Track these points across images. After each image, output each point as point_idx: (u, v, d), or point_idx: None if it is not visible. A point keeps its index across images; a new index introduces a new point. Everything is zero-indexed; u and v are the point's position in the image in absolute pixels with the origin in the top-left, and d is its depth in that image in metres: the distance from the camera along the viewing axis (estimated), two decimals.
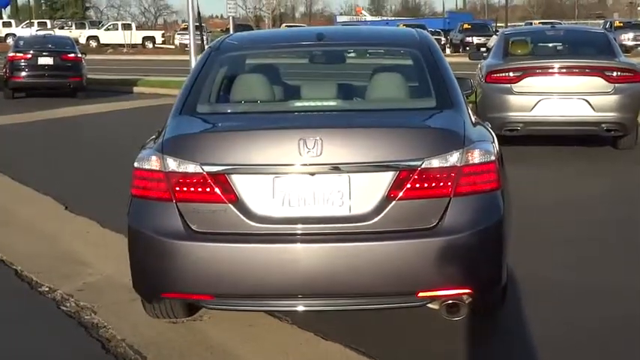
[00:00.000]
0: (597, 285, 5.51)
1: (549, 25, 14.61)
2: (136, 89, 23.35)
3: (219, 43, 5.23)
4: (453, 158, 3.98)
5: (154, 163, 4.09)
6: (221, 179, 3.98)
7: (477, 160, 4.02)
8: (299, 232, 3.98)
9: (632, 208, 8.01)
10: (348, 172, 3.96)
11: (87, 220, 7.64)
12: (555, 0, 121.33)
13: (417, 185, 3.94)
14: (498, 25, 51.93)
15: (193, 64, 25.20)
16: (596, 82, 10.54)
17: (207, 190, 3.99)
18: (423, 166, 3.95)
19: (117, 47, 53.30)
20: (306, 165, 3.96)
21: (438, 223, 3.96)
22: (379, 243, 3.94)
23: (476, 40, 47.74)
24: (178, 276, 4.03)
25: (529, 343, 4.54)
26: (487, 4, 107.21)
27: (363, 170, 3.97)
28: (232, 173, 3.98)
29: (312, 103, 4.65)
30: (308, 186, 3.98)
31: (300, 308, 4.19)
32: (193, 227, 4.01)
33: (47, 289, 5.64)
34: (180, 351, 4.54)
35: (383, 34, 5.87)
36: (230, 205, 3.98)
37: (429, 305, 4.38)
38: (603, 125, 10.55)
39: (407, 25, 55.38)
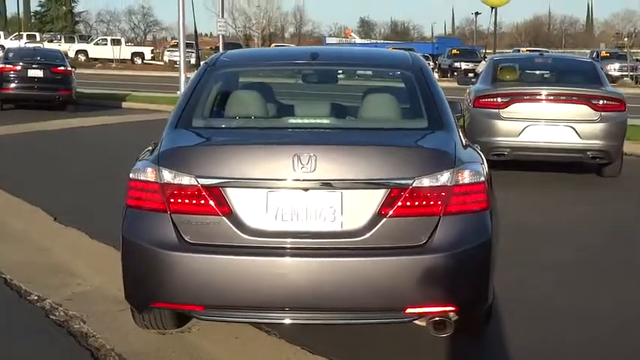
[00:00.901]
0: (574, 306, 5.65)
1: (537, 53, 14.74)
2: (124, 104, 23.42)
3: (214, 60, 5.32)
4: (444, 178, 4.07)
5: (149, 174, 4.17)
6: (215, 192, 4.06)
7: (467, 181, 4.12)
8: (291, 246, 4.06)
9: (614, 235, 8.14)
10: (340, 188, 4.05)
11: (76, 231, 7.68)
12: (543, 29, 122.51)
13: (408, 203, 4.03)
14: (487, 51, 52.24)
15: (183, 81, 25.42)
16: (583, 110, 10.70)
17: (202, 202, 4.07)
18: (414, 184, 4.04)
19: (105, 62, 53.35)
20: (299, 180, 4.04)
21: (427, 241, 4.05)
22: (369, 259, 4.02)
23: (464, 65, 48.11)
24: (170, 286, 4.09)
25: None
26: (476, 30, 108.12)
27: (355, 187, 4.06)
28: (227, 186, 4.06)
29: (306, 121, 4.74)
30: (301, 201, 4.07)
31: (289, 321, 4.26)
32: (187, 238, 4.08)
33: (36, 297, 5.67)
34: None
35: (376, 56, 5.98)
36: (224, 217, 4.06)
37: (416, 322, 4.45)
38: (589, 153, 10.70)
39: (396, 49, 55.73)
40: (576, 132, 10.61)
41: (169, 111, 17.98)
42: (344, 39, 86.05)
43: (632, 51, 56.91)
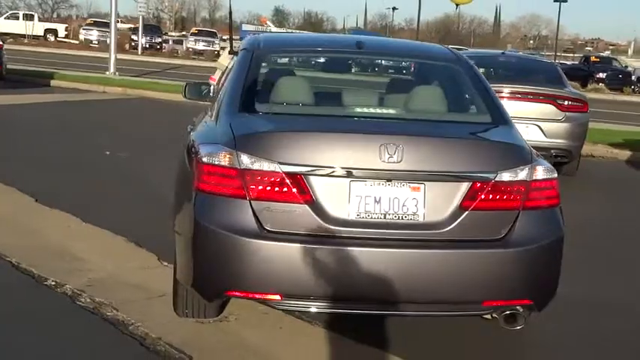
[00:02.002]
0: None
1: (500, 52, 15.00)
2: (53, 82, 22.65)
3: (258, 43, 5.21)
4: (523, 173, 4.11)
5: (226, 159, 4.03)
6: (298, 179, 3.98)
7: (542, 177, 4.17)
8: (372, 236, 4.01)
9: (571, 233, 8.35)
10: (424, 180, 4.03)
11: (62, 213, 7.44)
12: (453, 27, 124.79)
13: (490, 197, 4.05)
14: None
15: (113, 61, 24.80)
16: (549, 110, 10.95)
17: (285, 189, 3.98)
18: (496, 178, 4.05)
19: (17, 37, 51.59)
20: (384, 170, 4.00)
21: (506, 235, 4.07)
22: (451, 251, 4.03)
23: None
24: (248, 274, 3.99)
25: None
26: (389, 25, 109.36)
27: (439, 179, 4.05)
28: (310, 175, 3.98)
29: (372, 110, 4.66)
30: (384, 191, 4.03)
31: (368, 312, 4.21)
32: (266, 226, 3.98)
33: (54, 283, 5.46)
34: (222, 351, 4.50)
35: (420, 48, 5.96)
36: (306, 205, 3.98)
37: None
38: (552, 151, 10.92)
39: None
40: (542, 130, 10.84)
41: (103, 91, 17.84)
42: (260, 27, 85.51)
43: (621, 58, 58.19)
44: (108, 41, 27.98)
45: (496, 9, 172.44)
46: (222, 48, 51.74)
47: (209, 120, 4.87)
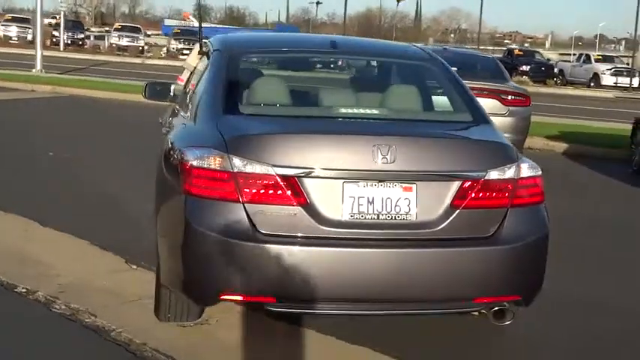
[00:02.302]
0: None
1: (442, 47, 15.16)
2: None
3: (231, 43, 5.18)
4: (511, 171, 4.18)
5: (217, 162, 3.99)
6: (292, 182, 3.96)
7: (528, 174, 4.25)
8: (367, 237, 4.03)
9: None
10: (416, 180, 4.06)
11: (17, 216, 7.27)
12: (375, 21, 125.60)
13: (480, 195, 4.11)
14: None
15: (40, 57, 24.25)
16: (493, 105, 11.09)
17: (279, 192, 3.96)
18: (485, 177, 4.12)
19: None
20: (377, 171, 4.02)
21: (495, 232, 4.14)
22: (443, 250, 4.07)
23: None
24: (243, 278, 3.96)
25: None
26: (312, 20, 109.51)
27: (430, 179, 4.09)
28: (303, 177, 3.97)
29: (356, 110, 4.65)
30: (377, 192, 4.04)
31: (362, 313, 4.23)
32: (261, 229, 3.96)
33: (24, 290, 5.33)
34: (209, 355, 4.48)
35: (394, 47, 6.00)
36: (300, 208, 3.97)
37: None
38: None
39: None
40: None
41: (31, 90, 17.44)
42: (182, 22, 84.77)
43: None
44: (28, 37, 27.40)
45: (417, 3, 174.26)
46: (150, 45, 50.92)
47: (187, 121, 4.81)
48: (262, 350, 4.61)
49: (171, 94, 6.86)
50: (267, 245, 3.95)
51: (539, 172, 4.33)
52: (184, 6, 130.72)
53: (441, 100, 5.10)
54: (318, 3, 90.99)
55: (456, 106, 4.86)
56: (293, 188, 3.97)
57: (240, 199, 3.96)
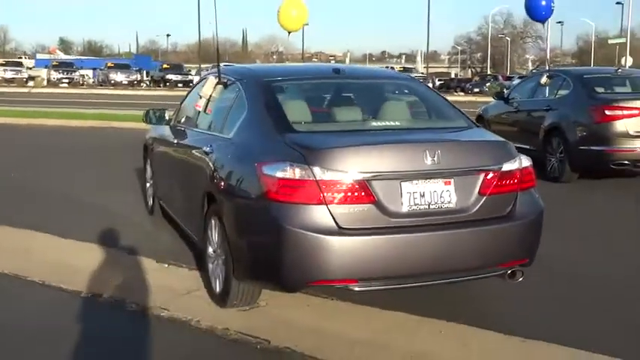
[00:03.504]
0: None
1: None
2: None
3: (253, 73, 5.11)
4: (517, 163, 4.36)
5: (300, 173, 3.94)
6: (362, 184, 3.96)
7: (526, 165, 4.43)
8: (422, 224, 4.07)
9: None
10: (454, 175, 4.15)
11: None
12: (209, 48, 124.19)
13: (499, 183, 4.25)
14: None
15: None
16: None
17: (355, 194, 3.94)
18: (502, 169, 4.26)
19: None
20: (425, 171, 4.08)
21: (510, 211, 4.30)
22: (478, 228, 4.17)
23: (174, 77, 47.98)
24: (330, 265, 3.92)
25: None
26: (161, 49, 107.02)
27: (463, 174, 4.19)
28: (371, 179, 3.98)
29: (383, 123, 4.68)
30: (426, 187, 4.10)
31: (424, 284, 4.25)
32: (341, 224, 3.93)
33: (90, 295, 4.99)
34: (292, 333, 4.32)
35: (381, 71, 6.02)
36: (371, 204, 3.97)
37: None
38: None
39: (116, 64, 53.50)
40: None
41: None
42: (51, 55, 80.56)
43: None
44: None
45: (243, 32, 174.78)
46: (31, 77, 47.94)
47: (232, 141, 4.67)
48: (324, 323, 4.48)
49: (167, 118, 6.68)
50: (348, 237, 3.92)
51: (531, 163, 4.52)
52: (46, 41, 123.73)
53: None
54: (168, 35, 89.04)
55: (450, 114, 4.97)
56: (364, 189, 3.96)
57: (323, 201, 3.92)
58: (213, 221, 4.73)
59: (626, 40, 42.13)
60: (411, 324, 4.46)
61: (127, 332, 4.41)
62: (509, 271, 4.40)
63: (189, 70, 54.03)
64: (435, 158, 4.06)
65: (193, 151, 5.36)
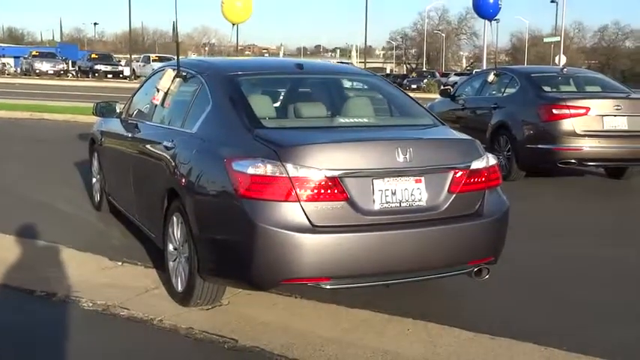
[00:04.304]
0: None
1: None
2: None
3: (215, 68, 5.07)
4: (484, 161, 4.45)
5: (272, 169, 3.93)
6: (335, 182, 3.98)
7: (492, 163, 4.54)
8: (393, 221, 4.12)
9: None
10: (424, 173, 4.22)
11: None
12: (139, 38, 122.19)
13: (468, 181, 4.34)
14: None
15: None
16: None
17: (328, 191, 3.96)
18: (471, 167, 4.36)
19: None
20: (397, 168, 4.13)
21: (478, 208, 4.40)
22: (447, 226, 4.24)
23: (103, 67, 46.90)
24: (303, 263, 3.92)
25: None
26: (87, 38, 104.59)
27: (433, 171, 4.26)
28: (344, 177, 4.00)
29: (350, 120, 4.71)
30: (397, 185, 4.15)
31: (393, 282, 4.31)
32: (314, 222, 3.95)
33: (44, 293, 4.86)
34: (259, 331, 4.29)
35: (340, 67, 6.02)
36: (344, 202, 4.00)
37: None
38: None
39: (41, 53, 51.99)
40: None
41: None
42: None
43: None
44: None
45: (173, 23, 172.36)
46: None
47: (197, 136, 4.62)
48: (291, 321, 4.50)
49: (118, 111, 6.58)
50: (321, 235, 3.95)
51: (497, 161, 4.64)
52: None
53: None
54: (95, 24, 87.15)
55: (414, 111, 5.05)
56: (337, 187, 3.99)
57: (296, 199, 3.93)
58: (175, 218, 4.69)
59: (561, 40, 43.40)
60: (378, 322, 4.50)
61: (87, 332, 4.32)
62: (475, 269, 4.50)
63: (119, 61, 53.02)
64: (407, 156, 4.12)
65: (151, 146, 5.29)
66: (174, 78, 5.42)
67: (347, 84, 5.54)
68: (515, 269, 5.55)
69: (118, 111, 6.56)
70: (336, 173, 3.98)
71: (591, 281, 5.57)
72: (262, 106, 4.67)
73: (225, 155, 4.18)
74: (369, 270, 4.09)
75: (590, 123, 9.32)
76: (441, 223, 4.24)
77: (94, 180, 7.45)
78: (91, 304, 4.69)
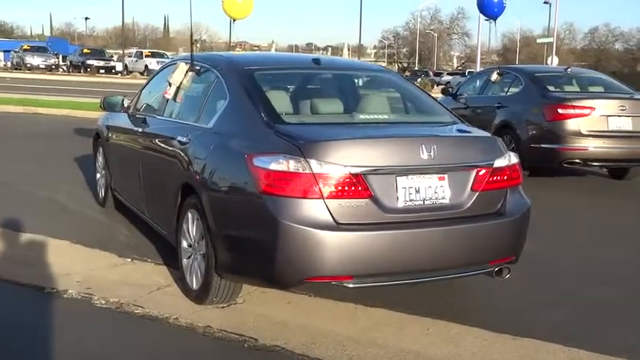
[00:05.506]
0: None
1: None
2: None
3: (232, 63, 4.97)
4: (506, 159, 4.39)
5: (295, 165, 3.85)
6: (359, 179, 3.90)
7: (514, 161, 4.47)
8: (417, 219, 4.04)
9: None
10: (448, 170, 4.15)
11: None
12: (129, 34, 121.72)
13: (491, 179, 4.27)
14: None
15: None
16: None
17: (352, 188, 3.88)
18: (494, 165, 4.30)
19: None
20: (421, 166, 4.06)
21: (500, 207, 4.33)
22: (470, 225, 4.17)
23: (95, 63, 46.60)
24: (326, 262, 3.84)
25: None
26: (77, 33, 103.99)
27: (457, 169, 4.18)
28: (368, 174, 3.93)
29: (370, 116, 4.64)
30: (421, 182, 4.08)
31: (416, 281, 4.24)
32: (338, 219, 3.87)
33: (54, 290, 4.77)
34: (278, 330, 4.21)
35: (361, 63, 5.95)
36: (368, 199, 3.93)
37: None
38: None
39: (32, 47, 51.53)
40: None
41: None
42: None
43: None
44: None
45: (164, 18, 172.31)
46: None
47: (222, 130, 4.51)
48: (309, 320, 4.42)
49: (125, 105, 6.49)
50: (345, 233, 3.87)
51: (518, 160, 4.57)
52: None
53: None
54: (86, 19, 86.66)
55: (433, 108, 4.98)
56: (361, 184, 3.91)
57: (320, 195, 3.85)
58: (190, 214, 4.60)
59: (554, 41, 43.50)
60: (396, 321, 4.43)
61: (102, 331, 4.22)
62: (496, 269, 4.43)
63: (112, 56, 52.70)
64: (431, 153, 4.05)
65: (164, 141, 5.20)
66: (187, 72, 5.32)
67: (364, 80, 5.47)
68: (530, 267, 5.50)
69: (125, 105, 6.45)
70: (359, 170, 3.91)
71: (609, 280, 5.52)
72: (281, 101, 4.58)
73: (246, 151, 4.09)
74: (392, 269, 4.01)
75: (595, 123, 9.29)
76: (464, 222, 4.17)
77: (98, 175, 7.35)
78: (103, 302, 4.60)
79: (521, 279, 5.15)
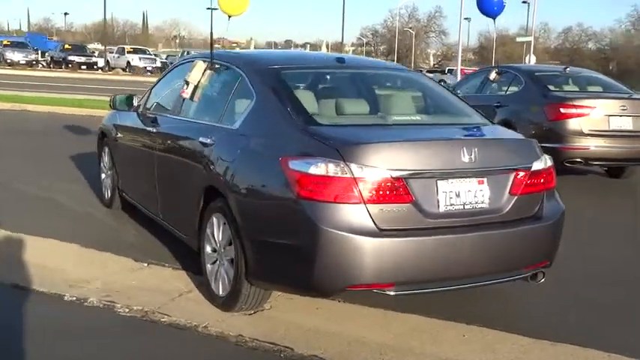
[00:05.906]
0: None
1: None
2: None
3: (256, 61, 4.79)
4: (542, 163, 4.26)
5: (334, 169, 3.68)
6: (400, 183, 3.75)
7: (549, 164, 4.35)
8: (458, 224, 3.90)
9: None
10: (487, 174, 4.01)
11: None
12: (110, 30, 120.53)
13: (528, 183, 4.14)
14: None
15: None
16: None
17: (394, 192, 3.73)
18: (532, 168, 4.16)
19: None
20: (461, 169, 3.92)
21: (537, 211, 4.20)
22: (509, 230, 4.04)
23: (77, 59, 45.96)
24: (368, 269, 3.68)
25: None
26: (55, 28, 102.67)
27: (495, 173, 4.05)
28: (409, 177, 3.78)
29: (402, 117, 4.49)
30: (461, 186, 3.94)
31: (458, 287, 4.09)
32: (379, 225, 3.71)
33: (74, 298, 4.56)
34: (311, 339, 4.06)
35: (380, 62, 5.77)
36: (409, 204, 3.77)
37: None
38: None
39: (13, 42, 50.72)
40: None
41: None
42: None
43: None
44: None
45: (143, 14, 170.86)
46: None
47: (250, 132, 4.32)
48: (339, 326, 4.26)
49: (135, 104, 6.28)
50: (388, 239, 3.71)
51: (553, 163, 4.45)
52: None
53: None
54: (65, 14, 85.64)
55: (464, 109, 4.84)
56: (402, 188, 3.76)
57: (361, 200, 3.69)
58: (215, 218, 4.41)
59: (532, 40, 43.60)
60: (431, 327, 4.30)
61: (130, 341, 4.02)
62: (531, 273, 4.31)
63: (93, 52, 52.02)
64: (472, 156, 3.91)
65: (183, 142, 5.01)
66: (205, 70, 5.12)
67: (390, 79, 5.31)
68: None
69: (135, 104, 6.23)
70: (401, 174, 3.75)
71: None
72: (310, 101, 4.41)
73: (280, 154, 3.91)
74: (433, 275, 3.87)
75: (596, 122, 9.23)
76: (503, 227, 4.03)
77: (104, 176, 7.11)
78: (127, 310, 4.40)
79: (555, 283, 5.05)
